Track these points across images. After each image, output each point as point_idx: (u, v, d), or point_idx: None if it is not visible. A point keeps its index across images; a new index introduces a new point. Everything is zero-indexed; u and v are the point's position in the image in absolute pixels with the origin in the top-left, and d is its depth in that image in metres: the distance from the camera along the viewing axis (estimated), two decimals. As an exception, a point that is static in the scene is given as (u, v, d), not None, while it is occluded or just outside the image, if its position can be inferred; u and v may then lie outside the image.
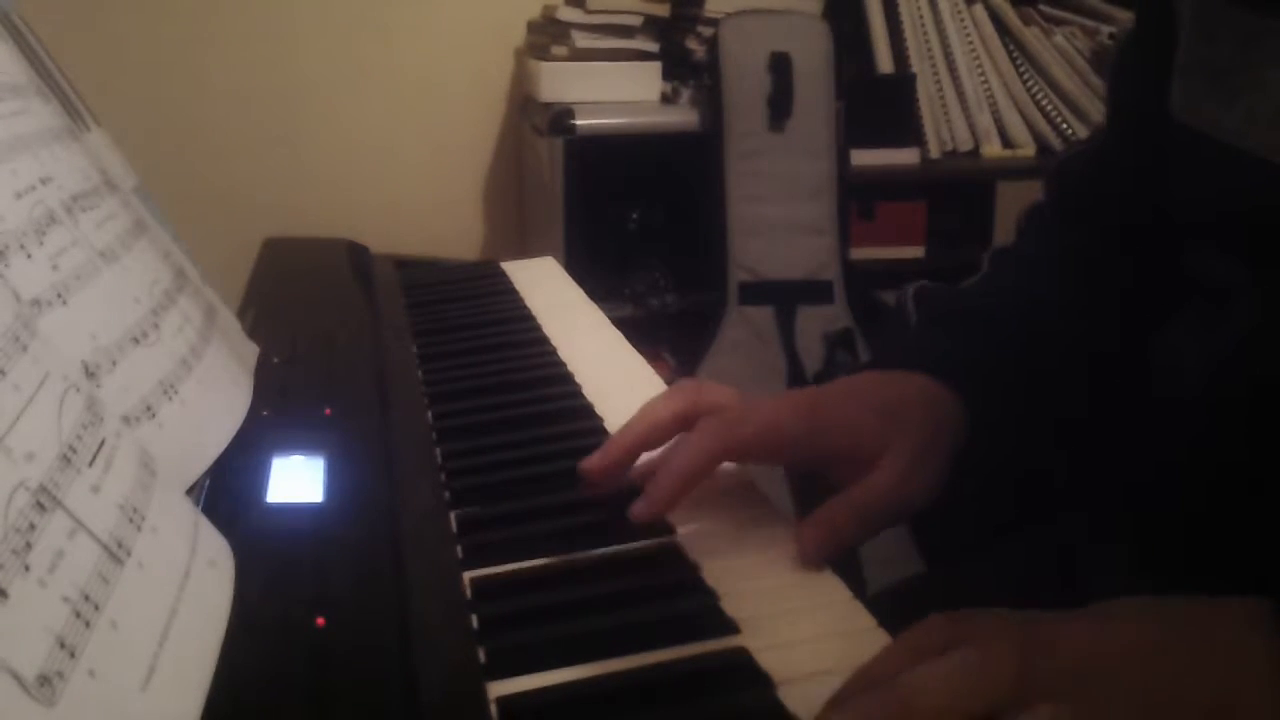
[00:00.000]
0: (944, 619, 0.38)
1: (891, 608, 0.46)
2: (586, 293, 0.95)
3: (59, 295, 0.47)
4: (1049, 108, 2.09)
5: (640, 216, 2.05)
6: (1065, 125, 2.08)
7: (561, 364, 0.75)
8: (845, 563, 0.51)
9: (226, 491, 0.52)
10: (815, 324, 1.96)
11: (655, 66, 1.99)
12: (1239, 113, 0.52)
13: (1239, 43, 0.52)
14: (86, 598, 0.35)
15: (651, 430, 0.55)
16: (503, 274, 1.00)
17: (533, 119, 2.02)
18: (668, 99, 2.01)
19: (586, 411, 0.67)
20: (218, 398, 0.57)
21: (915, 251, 2.07)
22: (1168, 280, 0.62)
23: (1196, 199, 0.58)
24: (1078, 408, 0.67)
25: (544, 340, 0.80)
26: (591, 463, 0.55)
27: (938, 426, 0.56)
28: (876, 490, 0.53)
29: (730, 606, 0.45)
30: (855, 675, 0.38)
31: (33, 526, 0.35)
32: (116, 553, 0.38)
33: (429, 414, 0.67)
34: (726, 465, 0.57)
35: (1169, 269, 0.62)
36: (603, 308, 0.90)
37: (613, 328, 0.85)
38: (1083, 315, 0.67)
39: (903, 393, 0.57)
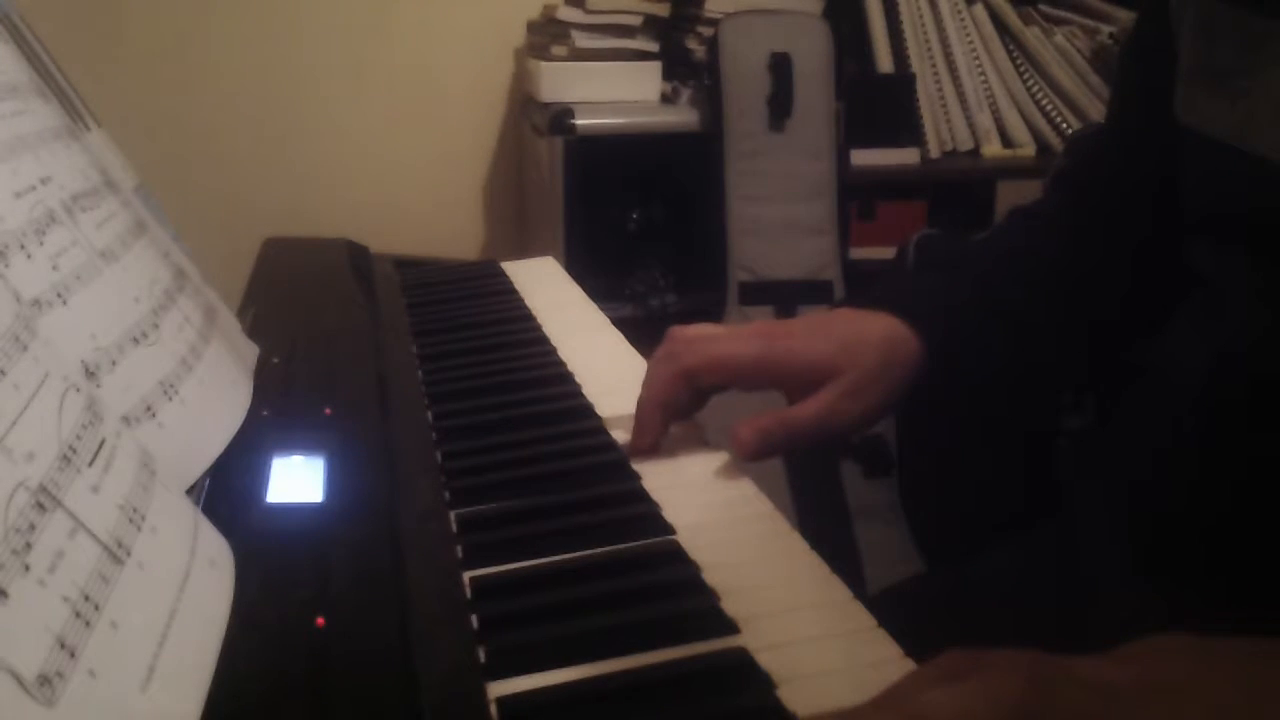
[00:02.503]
0: (961, 653, 0.37)
1: (891, 608, 0.46)
2: (586, 293, 0.95)
3: (59, 295, 0.47)
4: (1049, 107, 2.09)
5: (640, 216, 2.05)
6: (1065, 125, 2.08)
7: (561, 364, 0.75)
8: (845, 563, 0.51)
9: (226, 491, 0.52)
10: (815, 324, 1.96)
11: (655, 66, 1.99)
12: (1241, 113, 0.53)
13: (1240, 44, 0.52)
14: (86, 598, 0.35)
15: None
16: (503, 274, 1.00)
17: (533, 119, 2.02)
18: (668, 99, 2.01)
19: (586, 411, 0.67)
20: (218, 398, 0.57)
21: (915, 252, 2.07)
22: (1168, 279, 0.63)
23: (1199, 199, 0.59)
24: (1069, 366, 0.70)
25: (544, 340, 0.80)
26: (631, 448, 0.61)
27: (886, 363, 0.62)
28: (805, 413, 0.60)
29: (730, 606, 0.45)
30: (868, 702, 0.37)
31: (33, 526, 0.35)
32: (116, 553, 0.38)
33: (429, 414, 0.67)
34: (727, 468, 0.60)
35: (1170, 268, 0.62)
36: (603, 308, 0.90)
37: (613, 328, 0.85)
38: (1081, 282, 0.69)
39: (863, 329, 0.63)
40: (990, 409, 0.72)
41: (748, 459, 0.59)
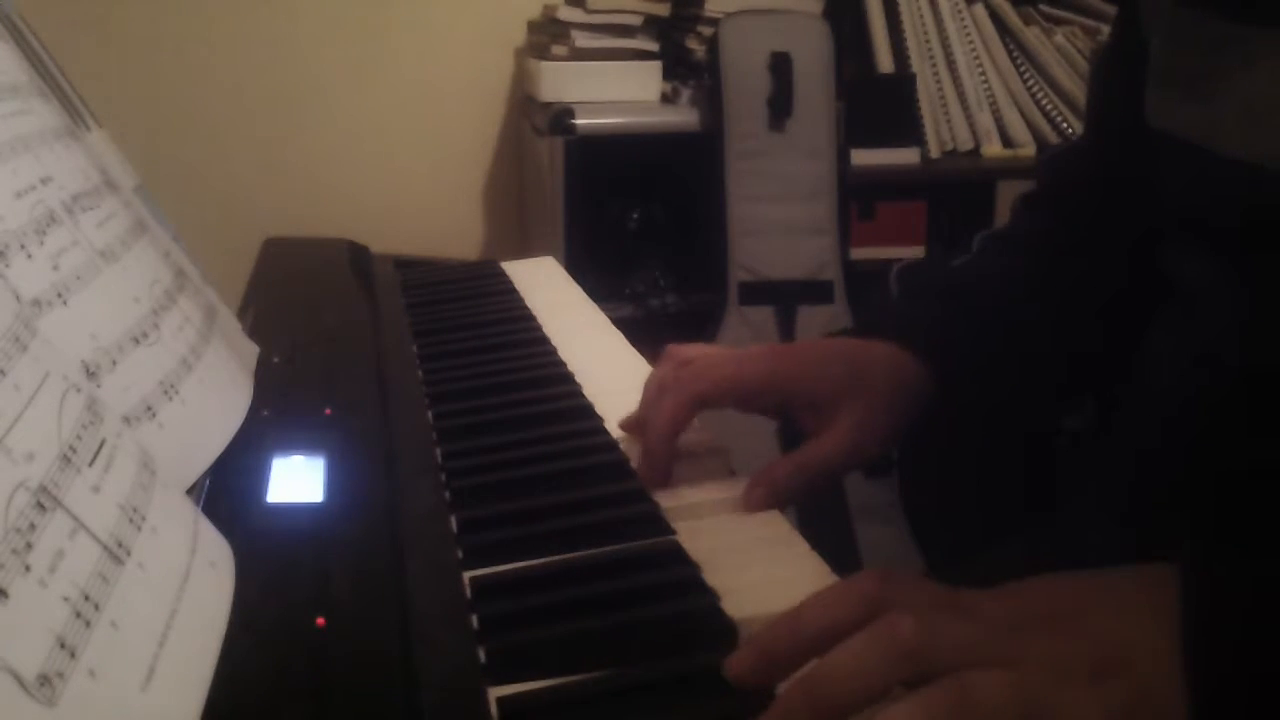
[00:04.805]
0: (869, 582, 0.40)
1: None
2: (586, 293, 0.95)
3: (59, 295, 0.47)
4: (1049, 107, 2.08)
5: (640, 216, 2.05)
6: (1065, 125, 2.08)
7: (561, 364, 0.75)
8: (845, 563, 0.51)
9: (226, 491, 0.52)
10: (816, 324, 1.96)
11: (655, 66, 1.99)
12: (1208, 115, 0.54)
13: (1206, 49, 0.54)
14: (86, 598, 0.35)
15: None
16: (503, 274, 1.00)
17: (533, 119, 2.02)
18: (668, 99, 2.01)
19: (586, 411, 0.67)
20: (218, 398, 0.57)
21: (915, 251, 2.07)
22: (1148, 281, 0.64)
23: (1171, 202, 0.60)
24: (1052, 386, 0.72)
25: (544, 340, 0.80)
26: (645, 481, 0.58)
27: (896, 389, 0.62)
28: (820, 452, 0.59)
29: (730, 606, 0.46)
30: (780, 627, 0.40)
31: (33, 526, 0.35)
32: (116, 553, 0.38)
33: (429, 414, 0.67)
34: (726, 462, 0.61)
35: (1148, 271, 0.63)
36: (603, 308, 0.90)
37: (613, 328, 0.85)
38: (1057, 300, 0.70)
39: (869, 354, 0.63)
40: (989, 417, 0.73)
41: (763, 509, 0.56)
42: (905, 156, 2.03)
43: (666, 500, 0.56)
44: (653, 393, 0.61)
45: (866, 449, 0.60)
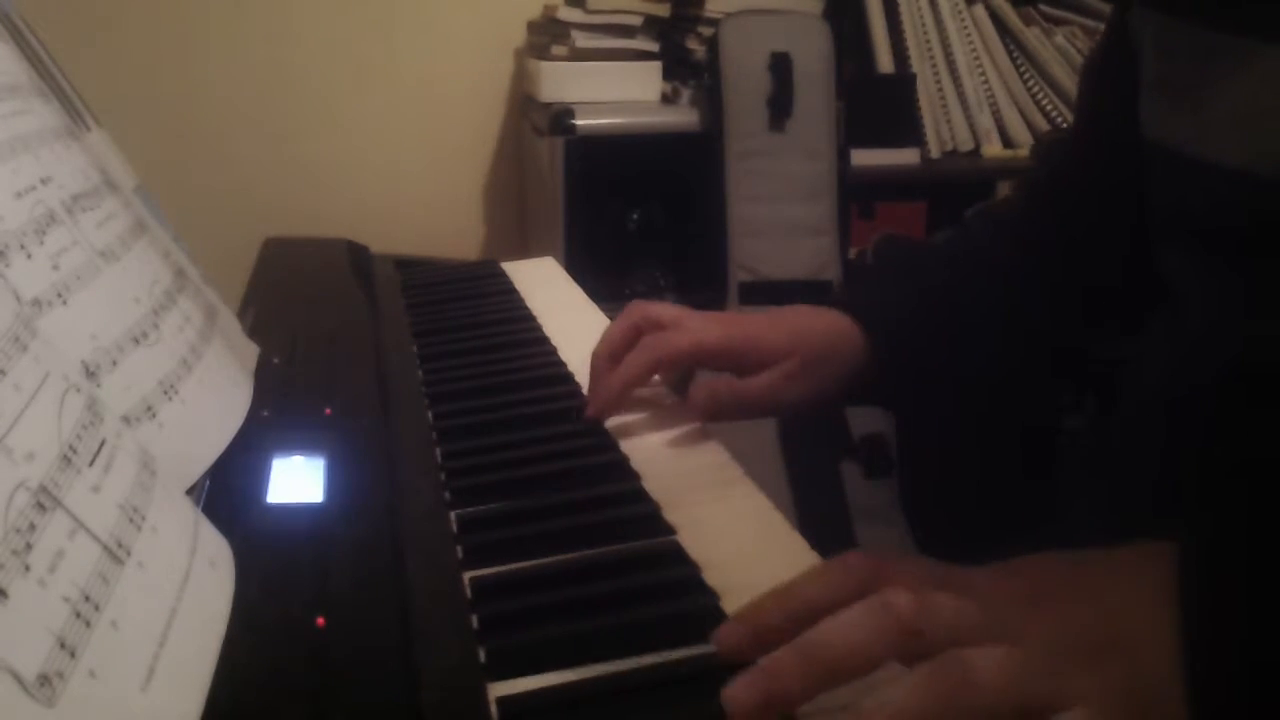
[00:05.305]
0: (862, 561, 0.41)
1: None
2: (586, 293, 0.95)
3: (59, 295, 0.47)
4: (1049, 108, 2.09)
5: (640, 216, 2.05)
6: (1065, 125, 2.08)
7: (561, 364, 0.75)
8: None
9: (226, 491, 0.52)
10: (815, 324, 1.95)
11: (655, 66, 1.99)
12: (1199, 124, 0.55)
13: (1196, 59, 0.55)
14: (86, 598, 0.35)
15: (613, 349, 0.67)
16: (503, 274, 1.00)
17: (533, 119, 2.02)
18: (668, 99, 2.01)
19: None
20: (218, 398, 0.57)
21: (915, 251, 2.07)
22: (1145, 282, 0.64)
23: (1164, 208, 0.60)
24: (1001, 366, 0.75)
25: (544, 340, 0.80)
26: (591, 410, 0.65)
27: (828, 351, 0.69)
28: (753, 386, 0.67)
29: (730, 606, 0.45)
30: (772, 601, 0.40)
31: (33, 526, 0.35)
32: (116, 553, 0.38)
33: (429, 414, 0.67)
34: (726, 462, 0.61)
35: (1146, 272, 0.63)
36: (603, 308, 0.90)
37: (613, 328, 0.85)
38: (1047, 294, 0.73)
39: (813, 321, 0.70)
40: (975, 406, 0.76)
41: (700, 419, 0.65)
42: (905, 157, 2.03)
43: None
44: (615, 342, 0.67)
45: (783, 395, 0.67)
